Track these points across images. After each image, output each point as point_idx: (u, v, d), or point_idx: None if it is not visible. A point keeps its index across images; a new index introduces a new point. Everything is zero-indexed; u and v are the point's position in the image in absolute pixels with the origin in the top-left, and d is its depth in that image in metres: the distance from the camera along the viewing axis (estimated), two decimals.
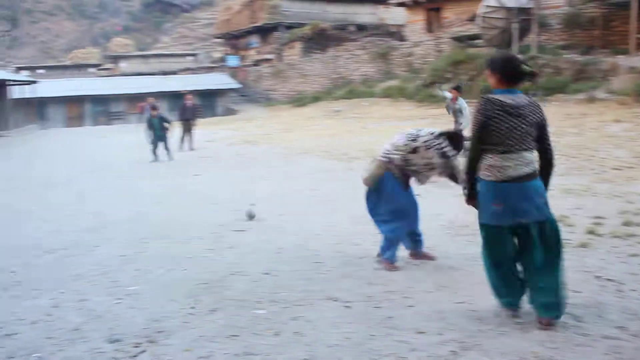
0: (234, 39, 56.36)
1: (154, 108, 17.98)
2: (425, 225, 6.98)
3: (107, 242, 7.43)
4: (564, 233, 6.62)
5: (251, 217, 8.62)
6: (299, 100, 38.64)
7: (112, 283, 5.69)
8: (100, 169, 15.69)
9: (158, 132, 17.24)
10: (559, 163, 11.35)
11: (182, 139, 20.11)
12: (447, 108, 13.76)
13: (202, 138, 22.90)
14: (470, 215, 7.70)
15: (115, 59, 72.39)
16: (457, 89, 13.66)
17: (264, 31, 51.52)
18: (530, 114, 4.11)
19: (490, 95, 4.16)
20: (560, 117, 17.53)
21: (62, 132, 36.45)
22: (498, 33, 25.18)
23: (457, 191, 9.57)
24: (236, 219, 8.46)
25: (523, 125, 4.07)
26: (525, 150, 4.11)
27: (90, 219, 9.01)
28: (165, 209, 9.64)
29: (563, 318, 4.24)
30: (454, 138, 5.79)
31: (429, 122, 19.75)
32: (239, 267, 6.03)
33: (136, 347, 4.14)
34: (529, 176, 4.11)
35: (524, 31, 25.19)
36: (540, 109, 4.20)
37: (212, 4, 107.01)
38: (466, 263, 5.72)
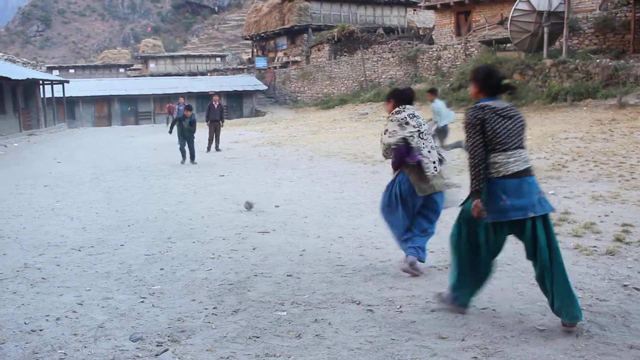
0: (263, 41, 56.66)
1: (188, 109, 17.18)
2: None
3: (132, 241, 7.50)
4: (591, 240, 6.57)
5: (249, 207, 9.31)
6: (326, 103, 38.74)
7: (136, 282, 5.74)
8: (127, 168, 15.86)
9: (186, 134, 16.73)
10: (588, 169, 11.22)
11: (209, 140, 20.22)
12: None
13: (228, 139, 23.06)
14: None
15: (145, 59, 73.19)
16: (433, 91, 14.46)
17: (293, 33, 51.72)
18: (516, 114, 4.33)
19: (478, 104, 4.35)
20: (590, 122, 17.31)
21: (90, 131, 36.96)
22: (528, 37, 24.95)
23: None
24: (260, 220, 8.49)
25: (514, 125, 4.29)
26: (521, 147, 4.31)
27: (116, 217, 9.11)
28: (190, 208, 9.71)
29: (588, 326, 4.19)
30: (403, 97, 5.89)
31: (456, 125, 19.60)
32: (262, 269, 6.05)
33: (159, 346, 4.17)
34: (528, 171, 4.28)
35: (554, 35, 24.93)
36: (519, 112, 4.45)
37: (241, 5, 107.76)
38: None
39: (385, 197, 5.92)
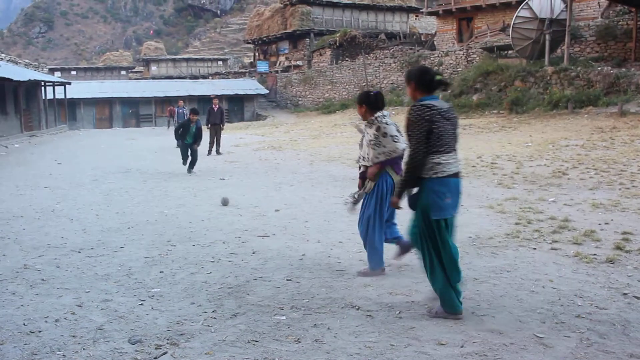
0: (265, 45, 56.72)
1: (194, 113, 15.60)
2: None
3: (132, 243, 7.50)
4: (591, 248, 6.56)
5: (225, 203, 9.95)
6: (327, 107, 38.80)
7: (136, 284, 5.74)
8: (127, 171, 15.86)
9: (190, 140, 15.27)
10: (588, 177, 11.22)
11: (210, 143, 20.23)
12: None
13: (229, 142, 23.06)
14: (497, 228, 7.65)
15: (147, 62, 73.29)
16: None
17: (295, 38, 51.78)
18: (454, 116, 4.55)
19: (423, 102, 4.46)
20: (591, 130, 17.32)
21: (91, 133, 36.98)
22: (530, 44, 25.00)
23: (482, 202, 9.49)
24: (260, 224, 8.49)
25: (453, 127, 4.51)
26: (456, 150, 4.55)
27: (116, 220, 9.10)
28: (191, 211, 9.71)
29: (587, 334, 4.19)
30: (376, 102, 5.87)
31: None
32: (261, 273, 6.05)
33: (157, 348, 4.16)
34: (460, 173, 4.63)
35: (556, 42, 24.98)
36: (455, 113, 4.66)
37: (244, 9, 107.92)
38: (490, 275, 5.67)
39: (376, 202, 5.82)
